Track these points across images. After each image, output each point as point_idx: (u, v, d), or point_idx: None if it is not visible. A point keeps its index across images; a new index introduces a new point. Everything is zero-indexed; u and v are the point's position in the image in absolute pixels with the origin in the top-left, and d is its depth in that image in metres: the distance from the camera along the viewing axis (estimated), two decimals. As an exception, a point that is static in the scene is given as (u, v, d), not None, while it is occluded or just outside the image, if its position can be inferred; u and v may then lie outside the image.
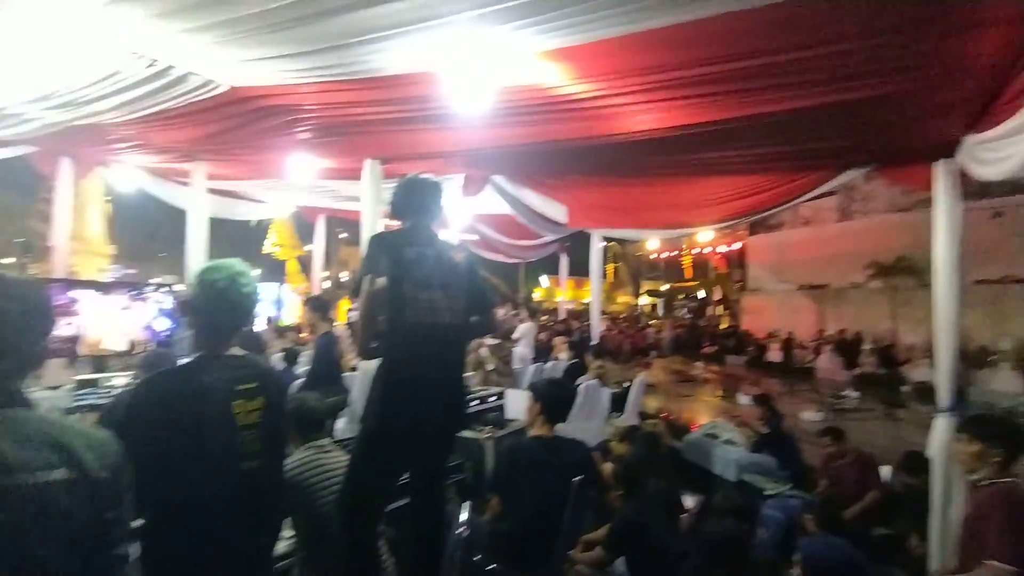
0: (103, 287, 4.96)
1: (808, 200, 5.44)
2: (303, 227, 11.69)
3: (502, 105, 3.63)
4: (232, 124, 4.85)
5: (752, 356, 17.96)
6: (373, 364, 5.21)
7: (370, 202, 5.35)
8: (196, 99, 4.32)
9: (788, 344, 17.40)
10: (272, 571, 1.92)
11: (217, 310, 1.78)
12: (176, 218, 9.72)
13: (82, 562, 1.23)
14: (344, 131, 4.96)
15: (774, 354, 17.38)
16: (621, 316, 22.43)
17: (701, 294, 26.18)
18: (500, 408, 5.16)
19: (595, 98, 3.65)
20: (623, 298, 27.69)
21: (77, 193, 8.06)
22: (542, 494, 2.86)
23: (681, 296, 27.10)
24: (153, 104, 4.48)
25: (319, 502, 2.48)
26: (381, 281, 2.19)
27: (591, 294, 9.49)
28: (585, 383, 5.49)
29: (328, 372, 4.87)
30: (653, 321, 22.96)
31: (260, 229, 11.68)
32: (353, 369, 5.53)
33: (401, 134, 4.90)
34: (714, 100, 3.63)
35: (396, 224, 2.47)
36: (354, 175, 6.30)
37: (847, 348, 15.64)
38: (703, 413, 8.39)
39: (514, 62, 3.04)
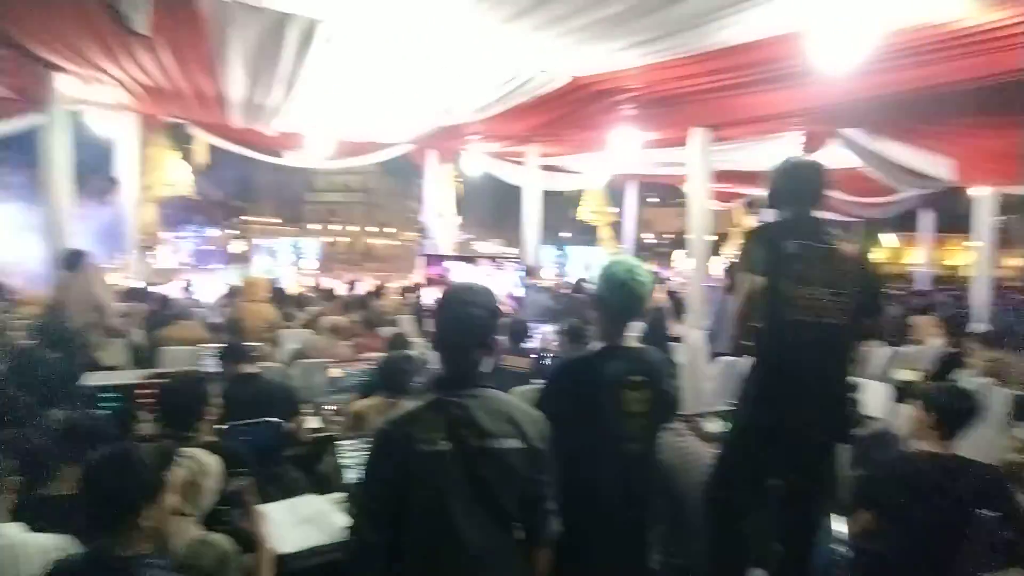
0: (471, 259, 6.01)
1: None
2: (612, 192, 12.10)
3: (879, 52, 3.04)
4: (569, 110, 5.24)
5: None
6: (700, 337, 5.21)
7: (698, 169, 5.18)
8: (541, 92, 4.79)
9: None
10: (646, 538, 2.08)
11: (616, 299, 1.92)
12: (503, 190, 11.25)
13: (526, 512, 1.57)
14: (669, 104, 4.88)
15: None
16: (1009, 285, 16.88)
17: None
18: (854, 402, 4.50)
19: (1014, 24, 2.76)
20: (1013, 261, 20.76)
21: (438, 178, 9.93)
22: (932, 523, 2.40)
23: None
24: (505, 103, 5.15)
25: (677, 483, 2.59)
26: (759, 280, 2.09)
27: (976, 258, 7.32)
28: (974, 382, 4.38)
29: (658, 345, 4.99)
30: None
31: (574, 197, 12.58)
32: (677, 339, 5.55)
33: (732, 99, 4.59)
34: None
35: (774, 214, 2.28)
36: (673, 143, 6.19)
37: None
38: None
39: None
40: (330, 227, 39.41)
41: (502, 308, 1.72)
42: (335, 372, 4.48)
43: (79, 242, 5.68)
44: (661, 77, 4.14)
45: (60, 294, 5.06)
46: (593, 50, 3.63)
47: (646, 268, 1.99)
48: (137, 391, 3.74)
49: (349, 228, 40.50)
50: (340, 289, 9.72)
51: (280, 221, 34.79)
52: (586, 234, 15.44)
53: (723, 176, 6.99)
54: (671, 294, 6.34)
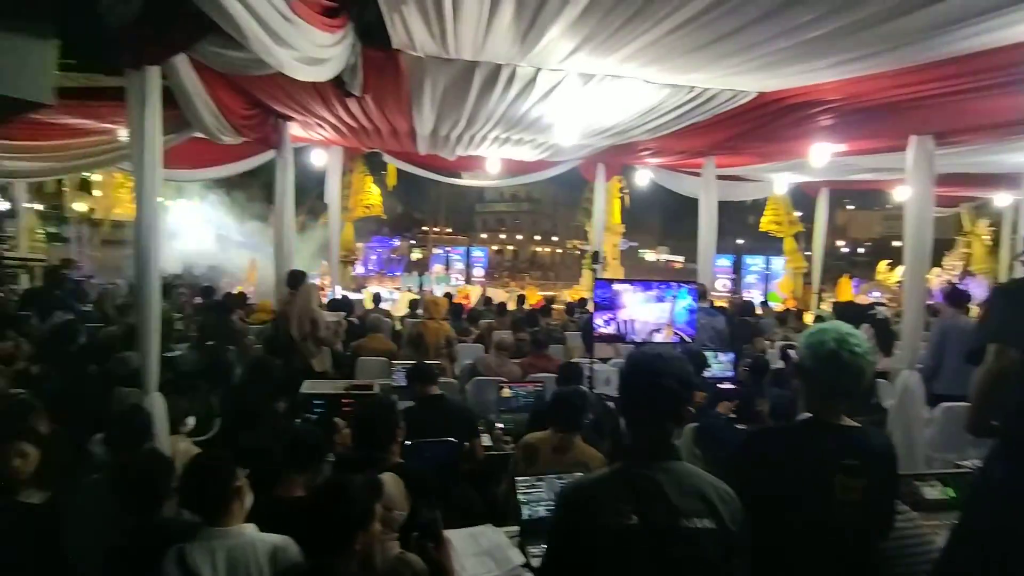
0: (640, 283, 5.75)
1: None
2: (801, 200, 10.99)
3: None
4: (753, 125, 4.86)
5: None
6: (915, 376, 4.43)
7: (918, 180, 4.40)
8: (723, 109, 4.50)
9: None
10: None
11: (825, 372, 1.72)
12: (669, 197, 10.77)
13: None
14: (880, 113, 4.27)
15: None
16: None
17: None
18: None
19: None
20: None
21: (607, 189, 9.87)
22: None
23: None
24: (684, 120, 4.92)
25: (896, 570, 2.23)
26: (1013, 355, 1.72)
27: None
28: None
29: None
30: None
31: (755, 206, 11.67)
32: (883, 376, 4.83)
33: (967, 104, 3.86)
34: None
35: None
36: (880, 149, 5.45)
37: None
38: None
39: None
40: (498, 236, 41.57)
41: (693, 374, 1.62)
42: (506, 392, 4.64)
43: (299, 261, 6.69)
44: (870, 88, 3.63)
45: (284, 308, 5.94)
46: (790, 70, 3.31)
47: (863, 337, 1.74)
48: (341, 400, 4.29)
49: (515, 236, 42.29)
50: (505, 298, 10.16)
51: (451, 231, 37.39)
52: (764, 241, 14.20)
53: (945, 179, 5.93)
54: (876, 321, 5.52)
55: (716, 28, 2.75)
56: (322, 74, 2.77)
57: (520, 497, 2.70)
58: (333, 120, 5.77)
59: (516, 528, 2.70)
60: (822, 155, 5.39)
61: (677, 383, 1.53)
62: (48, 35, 1.29)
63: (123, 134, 6.82)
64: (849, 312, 5.08)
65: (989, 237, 10.49)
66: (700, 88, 4.02)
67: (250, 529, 2.06)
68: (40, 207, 13.88)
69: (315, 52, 2.51)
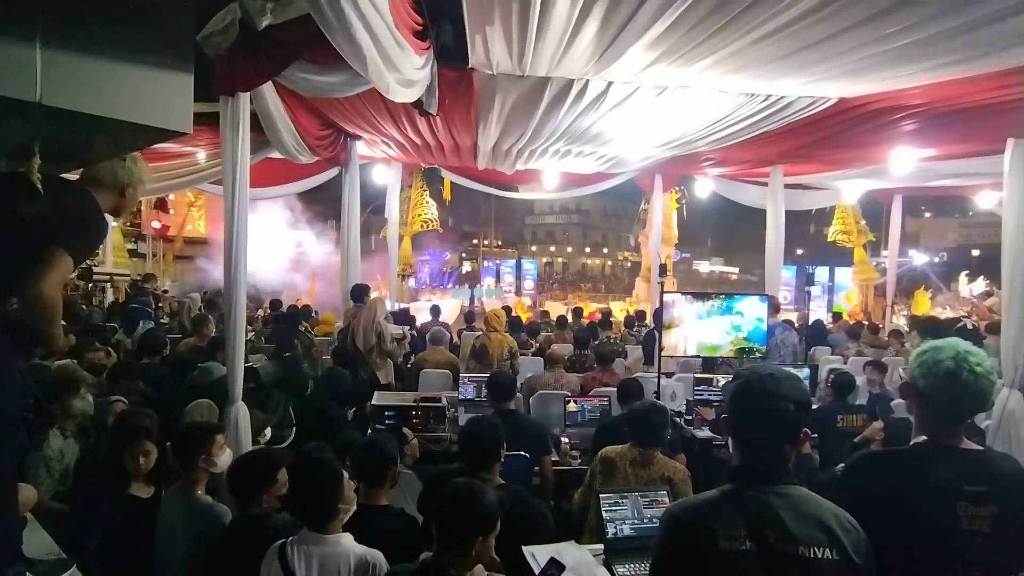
0: (700, 296, 5.55)
1: None
2: (869, 207, 10.47)
3: None
4: (830, 131, 4.68)
5: None
6: (1014, 397, 4.13)
7: (1017, 186, 4.11)
8: (799, 117, 4.35)
9: None
10: None
11: (943, 394, 1.59)
12: (724, 207, 10.47)
13: None
14: (972, 117, 4.04)
15: None
16: None
17: None
18: None
19: None
20: None
21: (662, 200, 9.71)
22: None
23: None
24: (756, 129, 4.79)
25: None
26: None
27: None
28: None
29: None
30: None
31: (817, 215, 11.22)
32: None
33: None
34: None
35: None
36: (968, 154, 5.16)
37: None
38: None
39: None
40: (548, 248, 41.53)
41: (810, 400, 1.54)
42: (572, 407, 4.60)
43: (363, 275, 6.84)
44: (962, 91, 3.45)
45: (350, 321, 6.09)
46: (876, 76, 3.18)
47: (983, 355, 1.61)
48: (411, 411, 4.36)
49: (565, 248, 42.16)
50: (562, 310, 10.09)
51: (501, 244, 37.53)
52: (826, 250, 13.59)
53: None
54: (967, 334, 5.17)
55: (805, 36, 2.66)
56: (412, 95, 2.86)
57: (604, 514, 2.64)
58: (400, 138, 5.92)
59: (599, 546, 2.64)
60: (904, 161, 5.15)
61: (795, 406, 1.45)
62: (187, 69, 1.39)
63: (201, 157, 7.25)
64: (933, 329, 4.76)
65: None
66: (776, 96, 3.91)
67: (347, 539, 2.10)
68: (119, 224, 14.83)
69: (412, 75, 2.60)
